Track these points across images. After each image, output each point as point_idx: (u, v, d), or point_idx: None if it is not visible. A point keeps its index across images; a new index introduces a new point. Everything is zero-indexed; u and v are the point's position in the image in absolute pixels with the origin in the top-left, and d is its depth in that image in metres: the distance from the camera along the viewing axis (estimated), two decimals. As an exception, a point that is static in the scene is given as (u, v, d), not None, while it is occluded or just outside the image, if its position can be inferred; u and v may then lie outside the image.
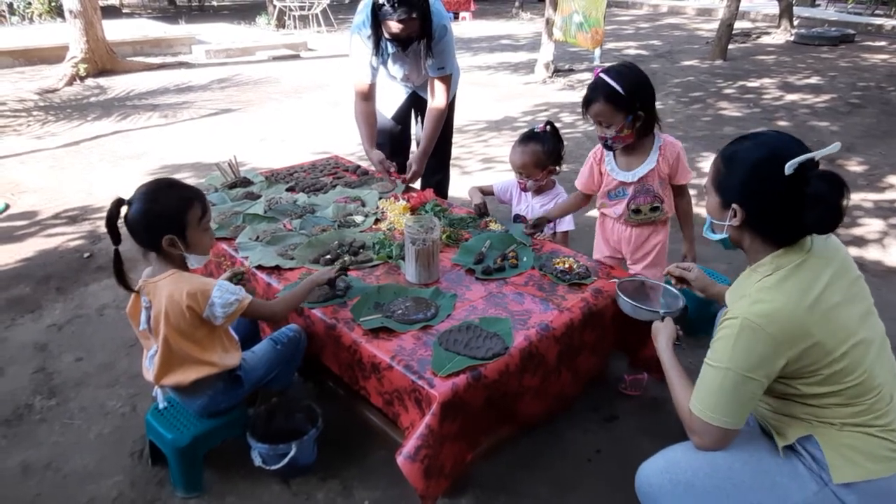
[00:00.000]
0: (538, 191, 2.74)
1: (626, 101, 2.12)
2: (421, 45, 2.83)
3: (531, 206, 2.77)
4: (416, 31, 2.70)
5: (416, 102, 3.31)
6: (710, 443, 1.44)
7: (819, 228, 1.37)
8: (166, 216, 1.75)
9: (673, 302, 1.96)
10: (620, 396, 2.43)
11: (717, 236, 1.53)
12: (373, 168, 3.21)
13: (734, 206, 1.44)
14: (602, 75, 2.15)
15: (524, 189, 2.72)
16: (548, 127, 2.66)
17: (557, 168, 2.69)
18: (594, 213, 4.06)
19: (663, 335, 1.72)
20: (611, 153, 2.35)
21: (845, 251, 1.49)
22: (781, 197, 1.37)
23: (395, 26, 2.63)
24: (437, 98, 3.01)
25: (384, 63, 3.00)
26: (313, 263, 2.28)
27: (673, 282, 1.96)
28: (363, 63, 2.90)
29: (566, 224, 2.69)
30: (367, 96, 3.01)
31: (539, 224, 2.52)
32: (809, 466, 1.42)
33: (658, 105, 2.33)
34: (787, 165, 1.33)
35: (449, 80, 3.00)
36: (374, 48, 2.81)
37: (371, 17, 2.70)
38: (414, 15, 2.60)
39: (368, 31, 2.78)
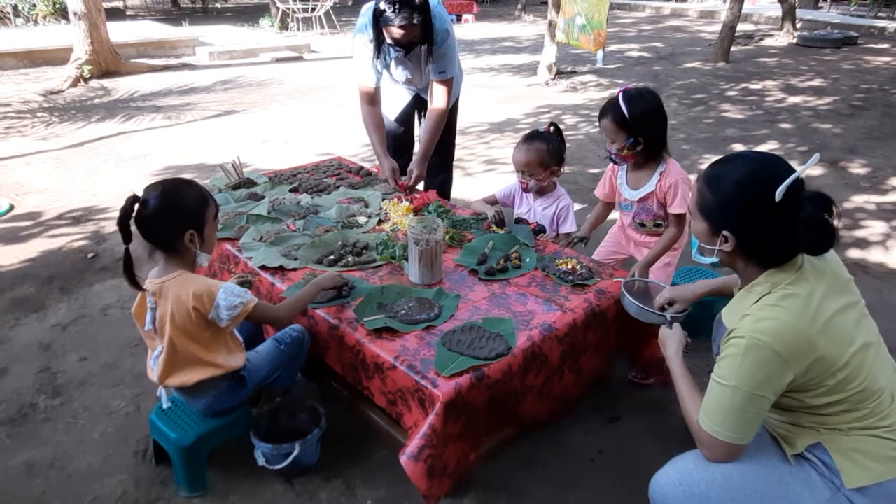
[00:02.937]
0: (540, 192, 2.75)
1: (629, 126, 2.27)
2: (422, 49, 2.83)
3: (533, 208, 2.78)
4: (417, 35, 2.70)
5: (419, 104, 3.32)
6: (719, 456, 1.44)
7: (815, 251, 1.36)
8: (189, 211, 1.78)
9: (679, 306, 1.94)
10: (623, 397, 2.43)
11: (708, 260, 1.53)
12: (377, 173, 3.22)
13: (725, 233, 1.43)
14: (620, 95, 2.28)
15: (526, 189, 2.72)
16: (552, 128, 2.67)
17: (559, 168, 2.69)
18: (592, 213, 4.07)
19: (672, 343, 1.69)
20: (623, 168, 2.50)
21: (833, 255, 1.47)
22: (773, 223, 1.36)
23: (396, 32, 2.63)
24: (437, 101, 3.01)
25: (387, 67, 3.01)
26: (317, 264, 2.29)
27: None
28: (366, 66, 2.91)
29: (568, 226, 2.69)
30: (373, 100, 3.01)
31: (572, 241, 2.60)
32: (821, 472, 1.42)
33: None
34: (777, 192, 1.31)
35: (450, 84, 3.00)
36: (377, 52, 2.81)
37: (373, 23, 2.71)
38: (415, 20, 2.60)
39: (371, 36, 2.78)
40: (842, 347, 1.36)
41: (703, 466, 1.46)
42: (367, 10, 2.79)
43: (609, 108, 2.31)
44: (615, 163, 2.46)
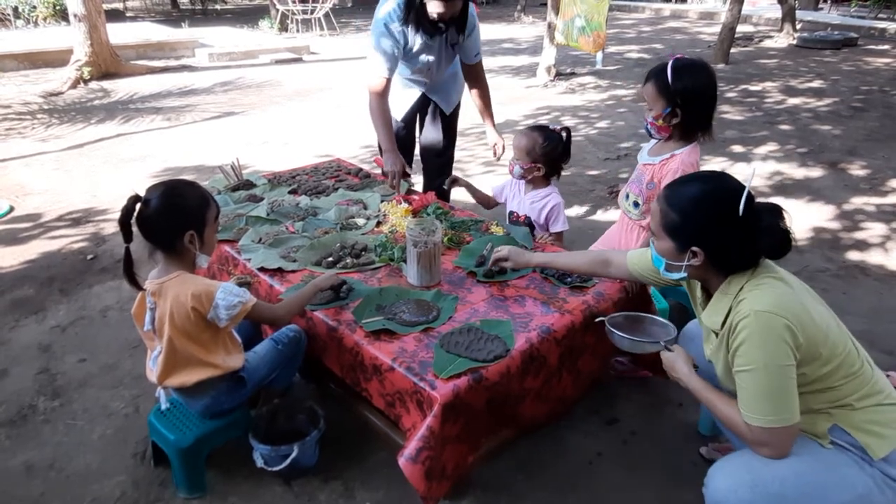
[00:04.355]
0: (532, 182, 2.74)
1: (669, 93, 2.17)
2: (449, 33, 2.88)
3: (522, 201, 2.78)
4: (457, 12, 2.75)
5: (423, 107, 3.31)
6: (781, 446, 1.45)
7: (777, 255, 1.49)
8: (190, 212, 1.79)
9: (663, 331, 1.91)
10: (621, 399, 2.43)
11: (676, 276, 1.60)
12: (375, 171, 3.22)
13: (694, 248, 1.52)
14: (670, 61, 2.18)
15: (511, 171, 2.74)
16: (562, 131, 2.68)
17: (545, 169, 2.68)
18: (594, 215, 4.08)
19: (680, 364, 1.69)
20: (651, 143, 2.44)
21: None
22: (737, 233, 1.46)
23: (439, 5, 2.66)
24: (482, 79, 3.22)
25: (409, 52, 2.97)
26: (316, 266, 2.29)
27: (495, 266, 2.13)
28: (386, 54, 2.87)
29: (559, 225, 2.69)
30: (385, 92, 2.97)
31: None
32: (853, 453, 1.46)
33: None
34: (740, 207, 1.44)
35: (482, 65, 3.18)
36: (414, 27, 2.81)
37: (406, 3, 2.73)
38: None
39: (397, 24, 2.78)
40: (821, 317, 1.46)
41: (770, 465, 1.46)
42: (382, 1, 2.83)
43: (654, 73, 2.20)
44: (650, 134, 2.35)
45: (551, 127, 2.70)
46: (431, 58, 3.03)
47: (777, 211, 1.48)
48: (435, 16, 2.71)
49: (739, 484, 1.47)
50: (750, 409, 1.44)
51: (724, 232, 1.48)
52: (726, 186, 1.50)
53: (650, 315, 2.00)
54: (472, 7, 2.89)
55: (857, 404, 1.46)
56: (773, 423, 1.41)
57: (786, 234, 1.46)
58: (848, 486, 1.43)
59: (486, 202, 3.06)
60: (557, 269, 2.15)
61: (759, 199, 1.51)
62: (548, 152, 2.64)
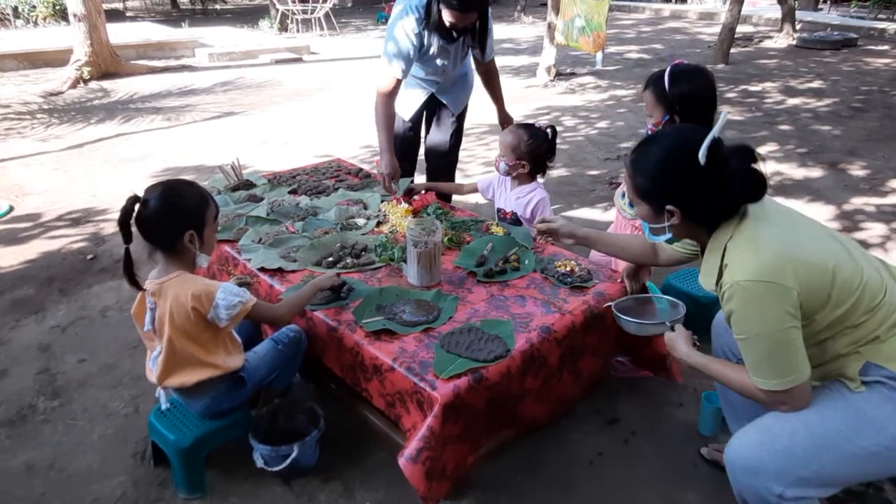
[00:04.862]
0: (517, 179, 2.74)
1: (667, 100, 2.16)
2: (467, 38, 2.92)
3: (508, 198, 2.78)
4: (472, 22, 2.80)
5: (430, 107, 3.31)
6: (797, 401, 1.43)
7: (751, 198, 1.44)
8: (189, 211, 1.79)
9: (673, 311, 1.91)
10: (622, 399, 2.43)
11: (662, 238, 1.58)
12: (375, 171, 3.22)
13: (668, 208, 1.49)
14: (668, 68, 2.18)
15: (497, 167, 2.74)
16: (548, 129, 2.67)
17: (530, 166, 2.68)
18: (594, 215, 4.08)
19: (680, 342, 1.68)
20: None
21: (767, 199, 1.50)
22: (706, 185, 1.42)
23: (453, 16, 2.69)
24: (494, 74, 3.30)
25: (425, 54, 2.97)
26: (316, 266, 2.29)
27: (538, 238, 2.10)
28: (399, 59, 2.85)
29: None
30: (393, 94, 2.95)
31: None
32: (890, 385, 1.40)
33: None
34: (699, 156, 1.38)
35: (494, 61, 3.24)
36: (435, 31, 2.82)
37: (424, 7, 2.75)
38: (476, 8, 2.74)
39: (413, 25, 2.78)
40: (822, 253, 1.41)
41: (782, 420, 1.45)
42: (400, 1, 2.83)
43: (652, 80, 2.20)
44: None
45: (537, 125, 2.70)
46: (446, 61, 3.03)
47: (746, 152, 1.41)
48: (449, 24, 2.73)
49: (749, 442, 1.47)
50: (756, 373, 1.42)
51: (691, 186, 1.44)
52: (686, 136, 1.45)
53: (660, 296, 2.00)
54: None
55: (885, 335, 1.40)
56: (780, 385, 1.39)
57: (758, 176, 1.40)
58: (879, 428, 1.38)
59: (456, 190, 3.14)
60: (600, 249, 2.15)
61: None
62: (532, 150, 2.63)
